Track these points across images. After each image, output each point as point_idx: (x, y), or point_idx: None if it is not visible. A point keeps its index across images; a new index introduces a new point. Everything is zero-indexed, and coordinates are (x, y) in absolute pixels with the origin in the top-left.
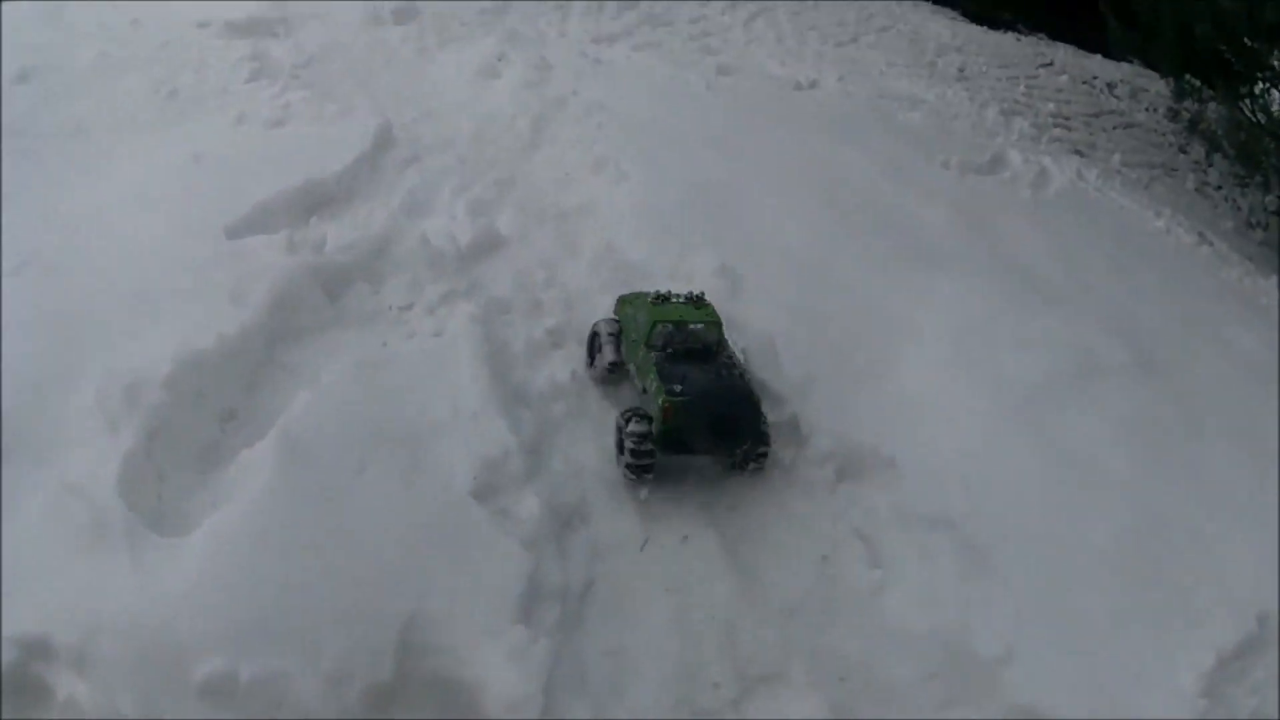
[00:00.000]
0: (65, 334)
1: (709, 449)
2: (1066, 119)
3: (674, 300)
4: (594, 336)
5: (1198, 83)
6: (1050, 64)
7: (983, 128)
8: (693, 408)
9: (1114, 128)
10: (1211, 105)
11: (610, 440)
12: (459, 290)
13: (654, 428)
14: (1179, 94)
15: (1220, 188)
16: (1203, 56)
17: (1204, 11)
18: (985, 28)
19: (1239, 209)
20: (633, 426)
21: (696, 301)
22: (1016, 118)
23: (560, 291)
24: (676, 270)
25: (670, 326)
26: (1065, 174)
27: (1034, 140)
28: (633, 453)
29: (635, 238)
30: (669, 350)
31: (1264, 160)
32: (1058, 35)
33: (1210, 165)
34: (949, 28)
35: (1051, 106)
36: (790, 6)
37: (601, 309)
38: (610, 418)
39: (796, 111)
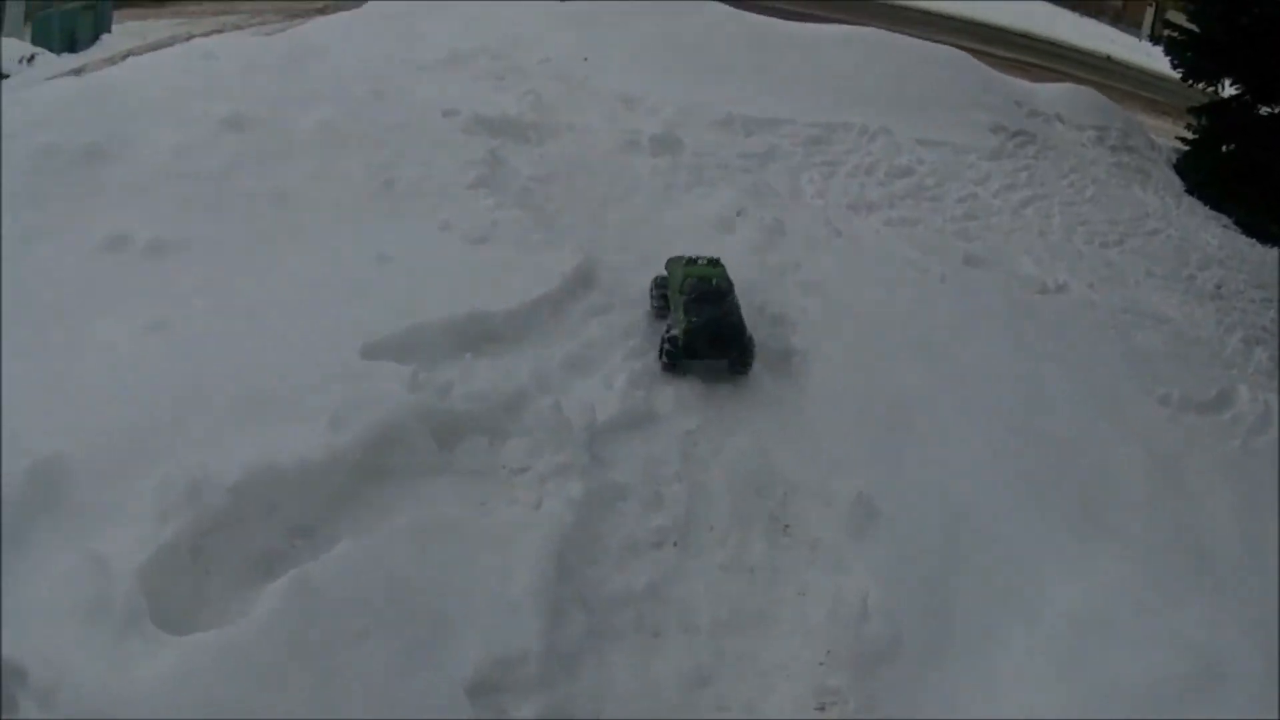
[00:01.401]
0: (163, 411)
1: (713, 355)
2: None
3: (700, 262)
4: (653, 286)
5: None
6: None
7: (1220, 356)
8: (701, 330)
9: None
10: None
11: None
12: (576, 466)
13: (679, 341)
14: None
15: None
16: None
17: None
18: (1254, 241)
19: None
20: (669, 334)
21: (714, 263)
22: (1259, 347)
23: (686, 488)
24: (815, 490)
25: (695, 279)
26: None
27: (1269, 375)
28: (667, 353)
29: (785, 443)
30: (693, 294)
31: None
32: None
33: None
34: (1218, 237)
35: None
36: (1067, 196)
37: (725, 513)
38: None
39: (1030, 319)
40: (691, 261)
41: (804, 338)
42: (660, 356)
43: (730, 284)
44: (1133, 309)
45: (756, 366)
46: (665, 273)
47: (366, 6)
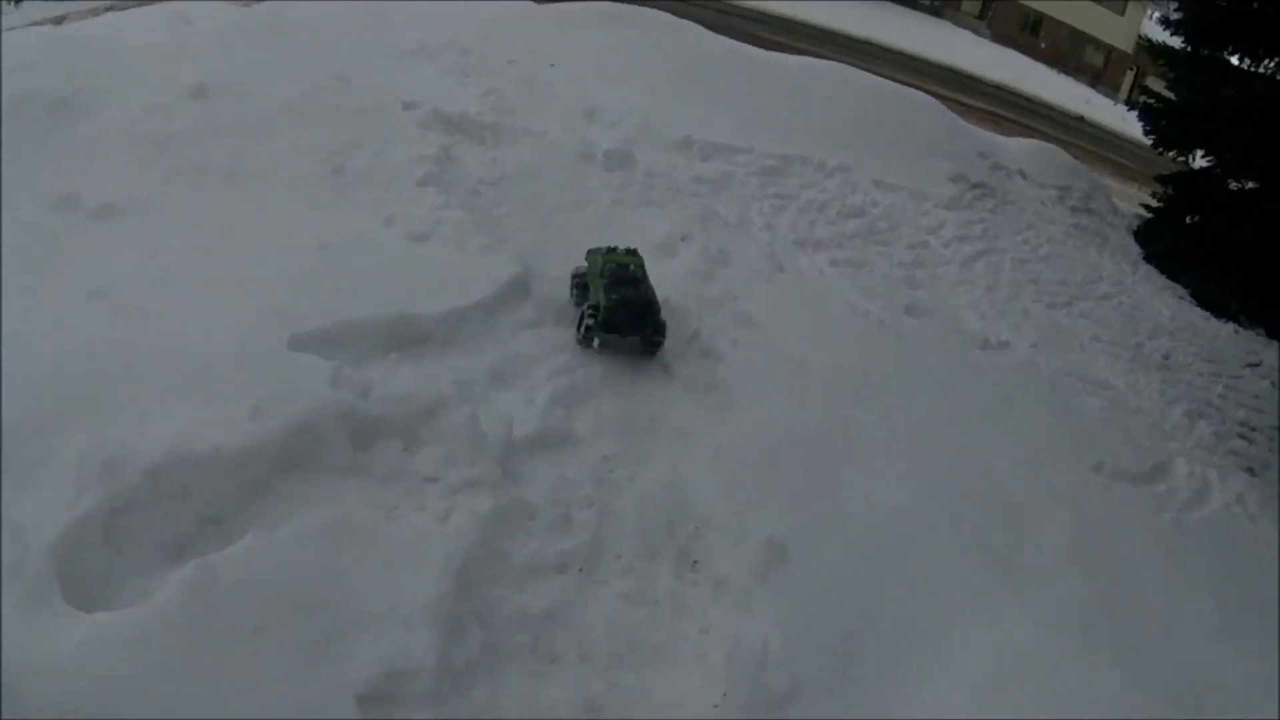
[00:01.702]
0: (89, 381)
1: (627, 332)
2: (1252, 430)
3: (619, 250)
4: (573, 278)
5: None
6: (1258, 364)
7: (1160, 429)
8: (620, 306)
9: None
10: None
11: None
12: (487, 481)
13: (599, 317)
14: None
15: None
16: None
17: None
18: (1208, 314)
19: None
20: (587, 312)
21: (632, 253)
22: (1202, 421)
23: (596, 513)
24: (727, 527)
25: (615, 264)
26: (1226, 495)
27: (1210, 450)
28: (586, 327)
29: (703, 477)
30: (613, 278)
31: None
32: (1276, 333)
33: None
34: (1171, 307)
35: (1242, 414)
36: (1020, 253)
37: (633, 542)
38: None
39: (968, 373)
40: (611, 250)
41: (732, 371)
42: (578, 330)
43: (645, 273)
44: (1075, 373)
45: (681, 396)
46: (585, 264)
47: None
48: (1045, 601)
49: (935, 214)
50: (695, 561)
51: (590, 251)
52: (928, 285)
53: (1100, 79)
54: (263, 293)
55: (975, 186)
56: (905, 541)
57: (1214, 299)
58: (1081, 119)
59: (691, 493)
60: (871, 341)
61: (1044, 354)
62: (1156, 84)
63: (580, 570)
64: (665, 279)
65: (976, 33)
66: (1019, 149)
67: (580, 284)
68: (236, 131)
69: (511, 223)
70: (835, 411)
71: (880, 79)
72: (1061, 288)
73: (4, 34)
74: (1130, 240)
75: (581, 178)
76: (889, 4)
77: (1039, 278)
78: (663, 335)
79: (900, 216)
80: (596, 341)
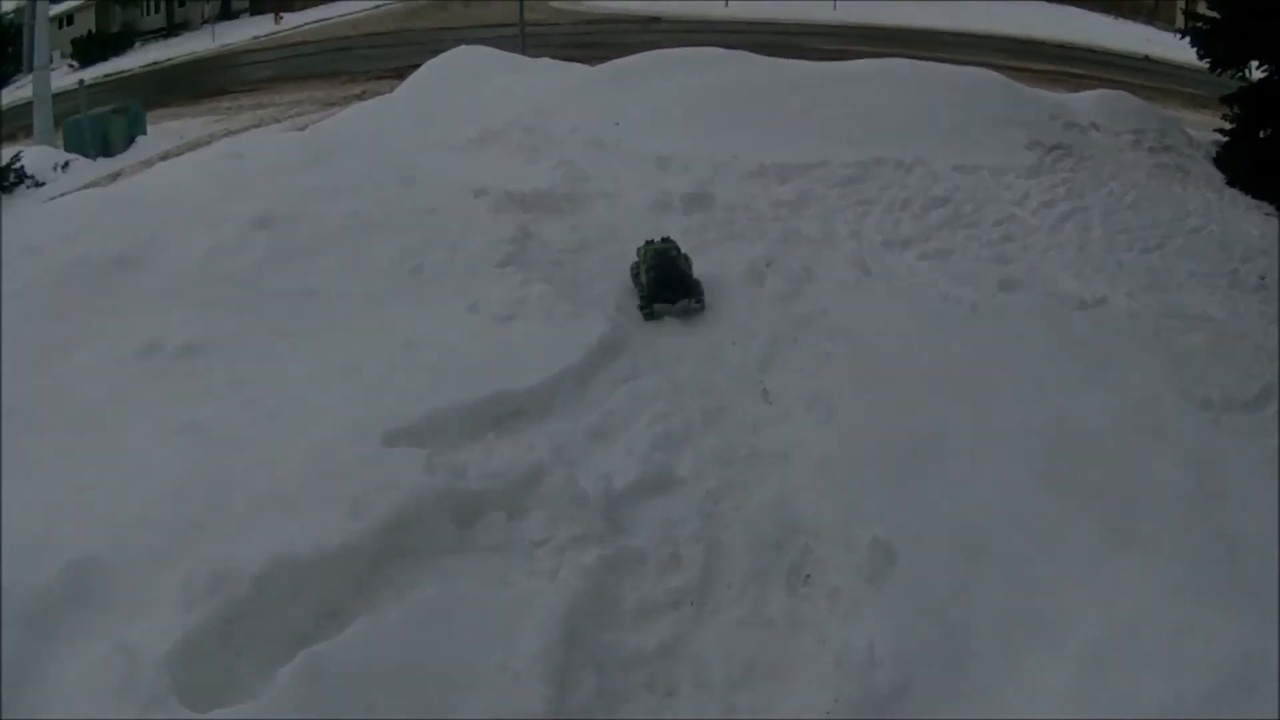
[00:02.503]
0: (186, 511)
1: (670, 298)
2: None
3: (655, 242)
4: (631, 273)
5: None
6: None
7: (1265, 350)
8: (657, 278)
9: None
10: None
11: None
12: (592, 534)
13: (645, 292)
14: None
15: None
16: None
17: None
18: None
19: None
20: (641, 288)
21: (666, 240)
22: None
23: (704, 548)
24: (836, 538)
25: (653, 252)
26: None
27: None
28: (642, 298)
29: (808, 493)
30: (651, 260)
31: None
32: None
33: None
34: (1259, 226)
35: None
36: (1107, 205)
37: (744, 568)
38: None
39: (1066, 337)
40: (650, 243)
41: (829, 384)
42: (639, 304)
43: (678, 251)
44: (1175, 313)
45: (780, 419)
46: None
47: (399, 90)
48: (1160, 559)
49: (1018, 185)
50: (808, 576)
51: (638, 250)
52: (1019, 258)
53: (1156, 14)
54: (353, 400)
55: (1053, 149)
56: (1011, 525)
57: None
58: (1147, 58)
59: (798, 511)
60: (966, 328)
61: (1142, 300)
62: (1201, 7)
63: (693, 604)
64: (752, 304)
65: None
66: (1088, 102)
67: (635, 276)
68: (305, 254)
69: (598, 285)
70: (934, 407)
71: (941, 65)
72: (1152, 230)
73: (52, 202)
74: (1211, 168)
75: (662, 227)
76: None
77: (1129, 225)
78: (700, 294)
79: (984, 196)
80: (650, 311)
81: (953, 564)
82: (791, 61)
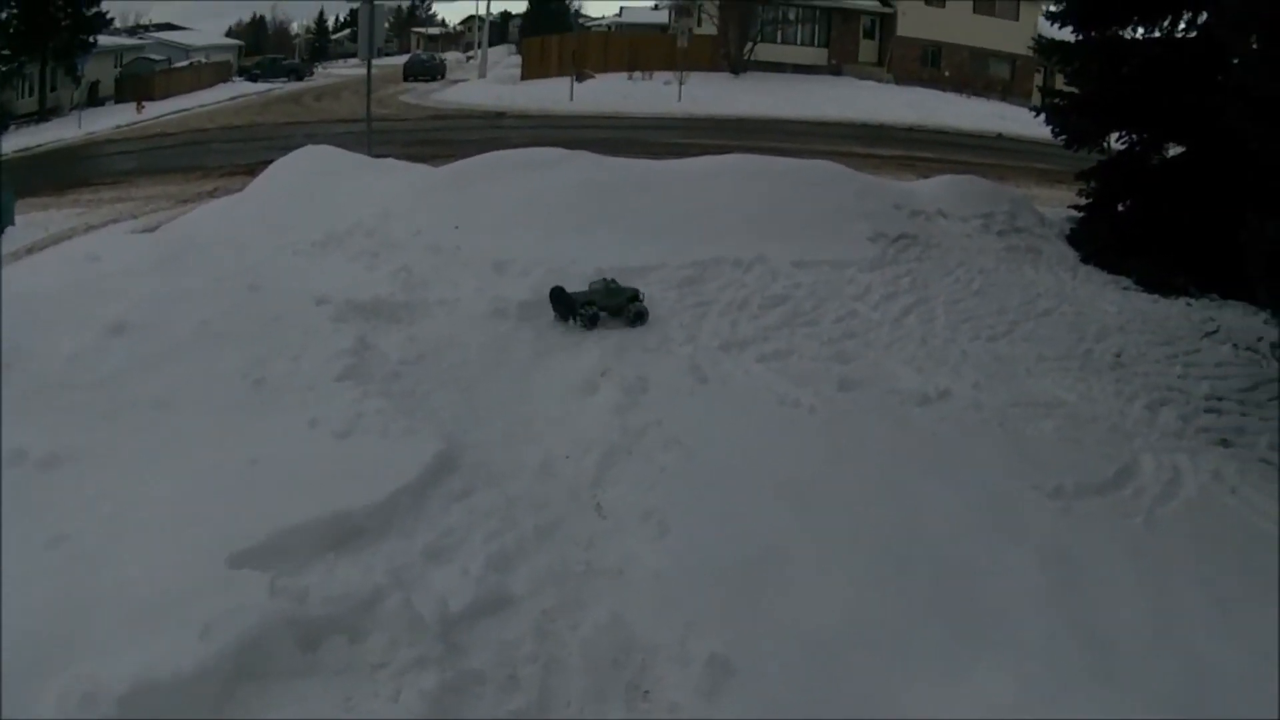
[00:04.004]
0: (59, 624)
1: (608, 311)
2: (1219, 400)
3: (603, 280)
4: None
5: None
6: (1215, 331)
7: (1122, 430)
8: (598, 294)
9: (1269, 400)
10: None
11: None
12: (431, 657)
13: (589, 302)
14: None
15: None
16: None
17: None
18: (1156, 296)
19: None
20: (580, 309)
21: (609, 279)
22: (1164, 409)
23: (541, 667)
24: (672, 654)
25: (600, 281)
26: (1201, 475)
27: (1176, 435)
28: (580, 317)
29: (644, 609)
30: (596, 287)
31: None
32: (1230, 293)
33: None
34: (1117, 301)
35: (1206, 387)
36: (952, 294)
37: (582, 687)
38: None
39: (906, 437)
40: (598, 281)
41: (662, 500)
42: (574, 320)
43: (617, 283)
44: (1023, 400)
45: (613, 533)
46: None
47: (248, 190)
48: (1017, 655)
49: (860, 279)
50: (646, 693)
51: (591, 283)
52: (860, 355)
53: (1010, 90)
54: (204, 519)
55: (897, 240)
56: (858, 633)
57: (1159, 279)
58: (999, 136)
59: (634, 628)
60: (803, 432)
61: (988, 391)
62: (1061, 82)
63: None
64: (587, 418)
65: (879, 81)
66: (934, 188)
67: (569, 301)
68: (159, 362)
69: (435, 399)
70: (771, 516)
71: (784, 158)
72: (999, 317)
73: None
74: (1065, 246)
75: (498, 337)
76: (789, 76)
77: (975, 313)
78: (641, 312)
79: (824, 292)
80: (589, 320)
81: (794, 676)
82: (632, 161)
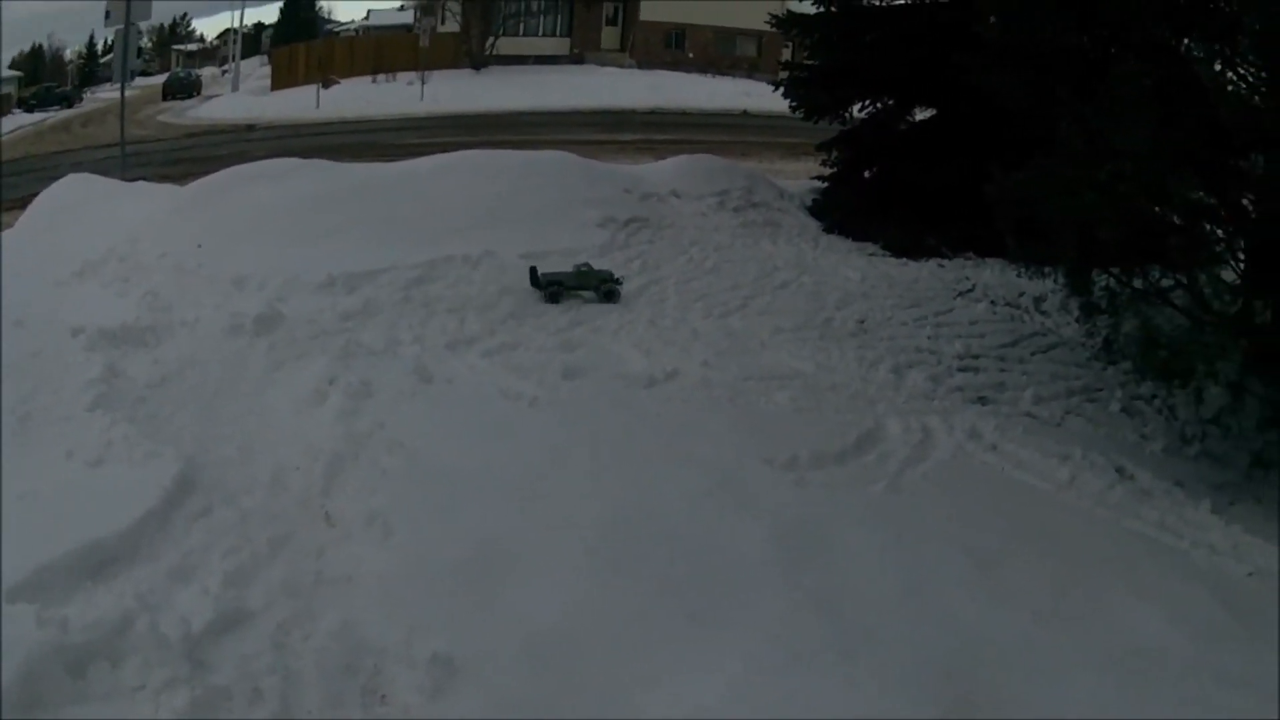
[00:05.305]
0: None
1: (579, 288)
2: (975, 358)
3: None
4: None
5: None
6: (971, 289)
7: (864, 396)
8: (571, 275)
9: (1032, 354)
10: (1127, 316)
11: None
12: (181, 676)
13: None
14: (1086, 310)
15: (1155, 397)
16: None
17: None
18: (905, 260)
19: (1174, 418)
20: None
21: (584, 265)
22: (912, 371)
23: (281, 679)
24: (401, 656)
25: (575, 268)
26: (955, 435)
27: (926, 397)
28: (545, 291)
29: (373, 614)
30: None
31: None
32: (987, 250)
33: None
34: (861, 269)
35: (959, 345)
36: (685, 273)
37: (319, 695)
38: None
39: (633, 420)
40: (576, 267)
41: (386, 503)
42: (541, 292)
43: (590, 268)
44: (756, 374)
45: (342, 542)
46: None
47: (18, 224)
48: (750, 632)
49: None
50: (383, 696)
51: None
52: (586, 342)
53: (758, 68)
54: None
55: (627, 224)
56: (586, 623)
57: (907, 242)
58: (745, 113)
59: (365, 633)
60: (525, 425)
61: (718, 368)
62: (804, 56)
63: None
64: (316, 427)
65: (622, 66)
66: (667, 169)
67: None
68: None
69: (176, 420)
70: (493, 512)
71: (513, 151)
72: (733, 293)
73: None
74: (806, 218)
75: (235, 352)
76: (531, 68)
77: (707, 292)
78: (613, 288)
79: None
80: (556, 297)
81: (520, 671)
82: (361, 165)
